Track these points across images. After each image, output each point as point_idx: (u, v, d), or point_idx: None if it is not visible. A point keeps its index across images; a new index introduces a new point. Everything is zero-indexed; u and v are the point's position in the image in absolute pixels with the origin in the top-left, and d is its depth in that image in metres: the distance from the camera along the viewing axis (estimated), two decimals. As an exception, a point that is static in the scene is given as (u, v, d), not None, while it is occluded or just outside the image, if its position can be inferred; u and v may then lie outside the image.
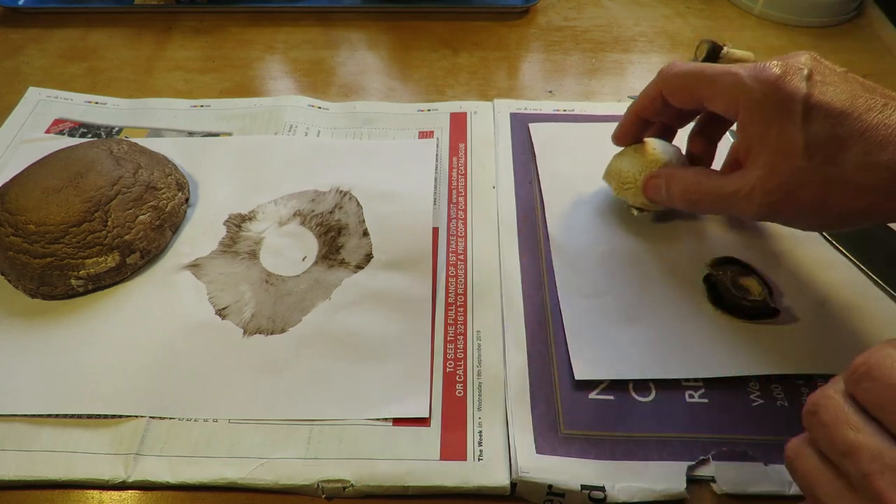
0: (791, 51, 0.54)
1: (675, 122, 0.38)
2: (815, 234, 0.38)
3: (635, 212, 0.39)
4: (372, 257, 0.37)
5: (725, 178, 0.31)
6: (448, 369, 0.33)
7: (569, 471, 0.29)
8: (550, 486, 0.28)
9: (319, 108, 0.48)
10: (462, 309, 0.35)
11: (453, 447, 0.30)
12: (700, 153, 0.38)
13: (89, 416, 0.31)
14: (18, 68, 0.52)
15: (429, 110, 0.48)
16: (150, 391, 0.32)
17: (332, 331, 0.34)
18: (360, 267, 0.37)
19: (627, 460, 0.29)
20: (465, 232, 0.39)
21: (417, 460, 0.29)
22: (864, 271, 0.36)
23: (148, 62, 0.53)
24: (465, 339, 0.34)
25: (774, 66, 0.29)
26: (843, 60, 0.53)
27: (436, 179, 0.42)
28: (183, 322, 0.35)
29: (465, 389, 0.32)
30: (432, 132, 0.46)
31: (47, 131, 0.46)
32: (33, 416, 0.31)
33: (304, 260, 0.38)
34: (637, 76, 0.52)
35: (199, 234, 0.39)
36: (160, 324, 0.34)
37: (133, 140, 0.43)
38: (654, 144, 0.37)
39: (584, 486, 0.28)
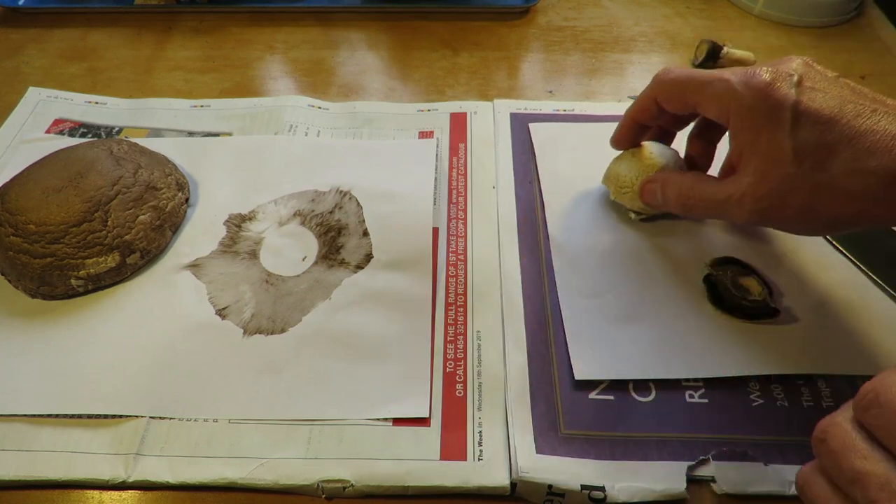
0: (791, 51, 0.54)
1: (672, 125, 0.38)
2: (815, 234, 0.38)
3: (633, 215, 0.39)
4: (372, 257, 0.37)
5: (718, 184, 0.32)
6: (448, 369, 0.33)
7: (569, 471, 0.29)
8: (550, 486, 0.28)
9: (319, 108, 0.48)
10: (462, 309, 0.35)
11: (453, 447, 0.30)
12: (699, 155, 0.38)
13: (89, 416, 0.31)
14: (18, 68, 0.52)
15: (429, 110, 0.48)
16: (150, 391, 0.32)
17: (332, 331, 0.34)
18: (360, 267, 0.37)
19: (627, 460, 0.29)
20: (465, 232, 0.39)
21: (417, 460, 0.30)
22: (864, 271, 0.36)
23: (148, 62, 0.53)
24: (465, 339, 0.34)
25: (764, 73, 0.29)
26: (843, 60, 0.53)
27: (436, 179, 0.42)
28: (183, 322, 0.35)
29: (465, 389, 0.32)
30: (432, 132, 0.46)
31: (47, 131, 0.46)
32: (33, 416, 0.31)
33: (304, 260, 0.38)
34: (637, 76, 0.52)
35: (199, 234, 0.39)
36: (160, 324, 0.34)
37: (133, 140, 0.43)
38: (651, 148, 0.37)
39: (584, 486, 0.28)
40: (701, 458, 0.29)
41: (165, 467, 0.29)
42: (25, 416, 0.31)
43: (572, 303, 0.35)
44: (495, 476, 0.29)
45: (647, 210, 0.38)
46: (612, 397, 0.32)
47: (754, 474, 0.29)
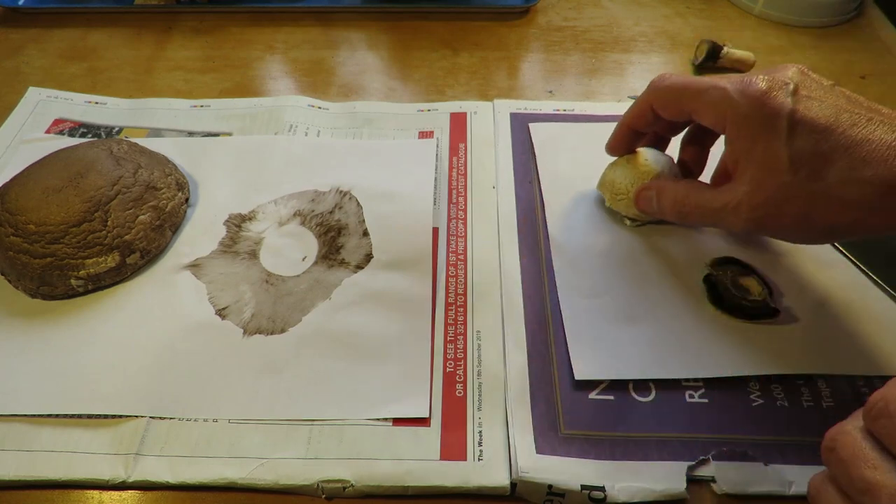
0: (791, 51, 0.54)
1: (667, 132, 0.38)
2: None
3: (628, 222, 0.39)
4: (372, 257, 0.37)
5: (714, 192, 0.32)
6: (448, 369, 0.33)
7: (569, 471, 0.29)
8: (550, 486, 0.28)
9: (319, 108, 0.48)
10: (462, 309, 0.35)
11: (453, 447, 0.30)
12: (692, 160, 0.38)
13: (89, 416, 0.31)
14: (18, 68, 0.52)
15: (429, 110, 0.48)
16: (150, 391, 0.32)
17: (332, 331, 0.34)
18: (360, 267, 0.37)
19: (627, 460, 0.29)
20: (465, 232, 0.39)
21: (417, 460, 0.30)
22: (864, 271, 0.36)
23: (148, 62, 0.53)
24: (465, 339, 0.34)
25: (761, 81, 0.29)
26: (843, 60, 0.53)
27: (436, 179, 0.42)
28: (183, 322, 0.35)
29: (465, 389, 0.32)
30: (432, 132, 0.46)
31: (47, 131, 0.46)
32: (33, 416, 0.31)
33: (304, 260, 0.38)
34: (637, 76, 0.52)
35: (199, 234, 0.39)
36: (160, 324, 0.34)
37: (133, 140, 0.43)
38: (646, 155, 0.38)
39: (584, 486, 0.28)
40: (701, 458, 0.29)
41: (165, 467, 0.29)
42: (25, 416, 0.31)
43: (572, 303, 0.35)
44: (495, 476, 0.29)
45: (642, 217, 0.38)
46: (612, 397, 0.32)
47: (754, 474, 0.29)
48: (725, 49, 0.50)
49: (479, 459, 0.30)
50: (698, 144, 0.38)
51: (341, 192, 0.41)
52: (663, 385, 0.32)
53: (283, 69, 0.53)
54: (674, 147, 0.39)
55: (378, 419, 0.31)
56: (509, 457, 0.29)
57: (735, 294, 0.34)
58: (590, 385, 0.32)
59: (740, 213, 0.30)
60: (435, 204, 0.41)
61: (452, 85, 0.51)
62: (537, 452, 0.29)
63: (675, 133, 0.38)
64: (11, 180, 0.37)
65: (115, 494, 0.29)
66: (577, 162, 0.43)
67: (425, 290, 0.36)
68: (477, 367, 0.33)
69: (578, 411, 0.31)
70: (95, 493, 0.29)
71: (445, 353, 0.34)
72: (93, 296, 0.36)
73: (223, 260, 0.38)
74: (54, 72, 0.52)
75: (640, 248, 0.38)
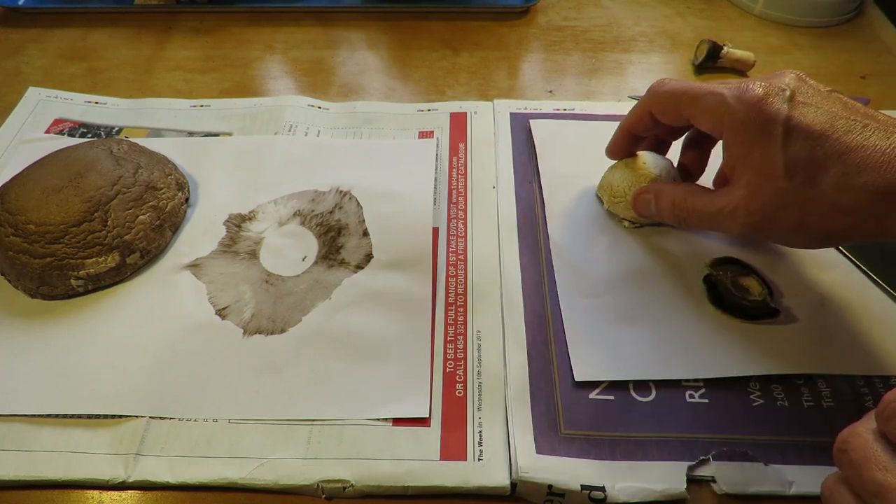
0: (791, 51, 0.54)
1: (667, 136, 0.38)
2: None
3: (627, 223, 0.39)
4: (372, 257, 0.37)
5: (712, 197, 0.32)
6: (448, 369, 0.33)
7: (569, 471, 0.29)
8: (550, 486, 0.28)
9: (319, 108, 0.48)
10: (462, 309, 0.35)
11: (453, 447, 0.30)
12: (692, 164, 0.38)
13: (89, 416, 0.31)
14: (18, 68, 0.52)
15: (429, 110, 0.48)
16: (150, 391, 0.32)
17: (332, 331, 0.34)
18: (360, 267, 0.37)
19: (627, 460, 0.29)
20: (465, 232, 0.39)
21: (417, 460, 0.29)
22: (864, 271, 0.36)
23: (148, 62, 0.53)
24: (465, 339, 0.34)
25: (757, 87, 0.29)
26: (843, 60, 0.53)
27: (436, 179, 0.42)
28: (183, 322, 0.35)
29: (465, 389, 0.32)
30: (432, 132, 0.46)
31: (47, 131, 0.46)
32: (33, 416, 0.31)
33: (304, 260, 0.38)
34: (637, 76, 0.52)
35: (199, 234, 0.39)
36: (160, 324, 0.34)
37: (133, 140, 0.43)
38: (645, 158, 0.38)
39: (584, 486, 0.28)
40: (701, 458, 0.29)
41: (165, 467, 0.29)
42: (25, 416, 0.31)
43: (572, 303, 0.35)
44: (495, 476, 0.29)
45: (640, 219, 0.38)
46: (612, 397, 0.32)
47: (754, 474, 0.29)
48: (725, 49, 0.50)
49: (479, 459, 0.30)
50: (699, 148, 0.38)
51: (341, 192, 0.41)
52: (663, 385, 0.32)
53: (283, 69, 0.53)
54: (675, 151, 0.39)
55: (378, 419, 0.31)
56: (509, 457, 0.29)
57: (735, 294, 0.34)
58: (590, 385, 0.32)
59: (737, 217, 0.31)
60: (435, 204, 0.41)
61: (452, 85, 0.51)
62: (537, 452, 0.29)
63: (676, 137, 0.38)
64: (11, 180, 0.37)
65: (115, 494, 0.29)
66: (578, 161, 0.43)
67: (425, 290, 0.36)
68: (477, 367, 0.33)
69: (578, 411, 0.31)
70: (95, 493, 0.29)
71: (445, 353, 0.34)
72: (93, 296, 0.36)
73: (223, 260, 0.38)
74: (54, 72, 0.52)
75: (641, 249, 0.38)
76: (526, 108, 0.47)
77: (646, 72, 0.52)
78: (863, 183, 0.27)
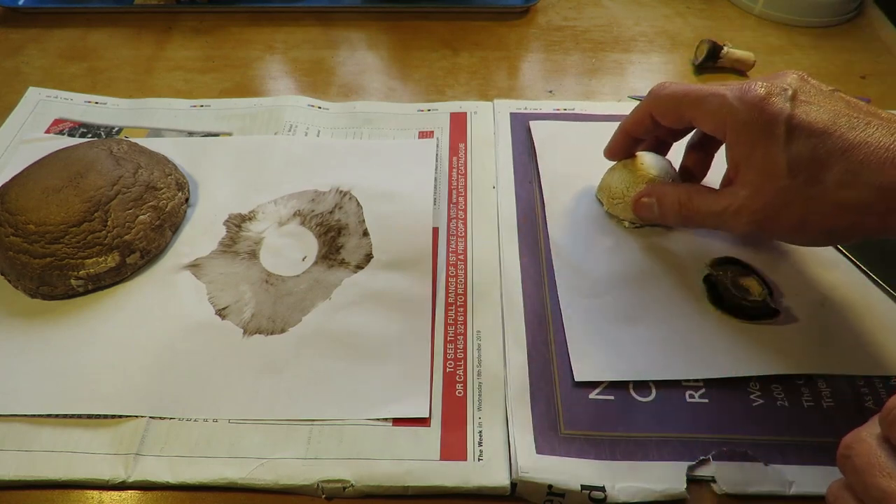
0: (791, 51, 0.54)
1: (668, 137, 0.38)
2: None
3: (627, 224, 0.39)
4: (372, 257, 0.37)
5: (716, 196, 0.32)
6: (448, 369, 0.33)
7: (569, 471, 0.29)
8: (550, 486, 0.28)
9: (319, 108, 0.48)
10: (462, 309, 0.35)
11: (453, 447, 0.30)
12: (695, 165, 0.38)
13: (89, 416, 0.31)
14: (18, 68, 0.52)
15: (429, 110, 0.48)
16: (150, 391, 0.32)
17: (332, 331, 0.34)
18: (360, 267, 0.37)
19: (627, 460, 0.29)
20: (465, 232, 0.39)
21: (417, 460, 0.29)
22: (864, 271, 0.36)
23: (148, 62, 0.53)
24: (465, 339, 0.34)
25: (759, 87, 0.29)
26: (843, 60, 0.53)
27: (436, 179, 0.42)
28: (183, 322, 0.35)
29: (465, 389, 0.32)
30: (432, 132, 0.46)
31: (47, 131, 0.46)
32: (33, 416, 0.31)
33: (304, 260, 0.38)
34: (637, 76, 0.52)
35: (199, 234, 0.39)
36: (160, 324, 0.34)
37: (133, 140, 0.43)
38: (643, 159, 0.38)
39: (584, 486, 0.28)
40: (701, 458, 0.29)
41: (165, 467, 0.29)
42: (25, 416, 0.31)
43: (572, 303, 0.35)
44: (495, 476, 0.29)
45: (639, 220, 0.38)
46: (612, 397, 0.32)
47: (754, 474, 0.29)
48: (725, 49, 0.50)
49: (479, 459, 0.30)
50: (702, 151, 0.38)
51: (341, 192, 0.41)
52: (663, 385, 0.32)
53: (283, 69, 0.53)
54: (677, 153, 0.39)
55: (378, 419, 0.31)
56: (509, 457, 0.29)
57: (735, 294, 0.34)
58: (590, 385, 0.32)
59: (741, 216, 0.31)
60: (435, 204, 0.41)
61: (452, 85, 0.51)
62: (537, 452, 0.29)
63: (677, 138, 0.39)
64: (11, 180, 0.37)
65: (115, 494, 0.29)
66: (578, 161, 0.43)
67: (425, 290, 0.36)
68: (477, 367, 0.33)
69: (578, 411, 0.31)
70: (95, 493, 0.29)
71: (445, 353, 0.34)
72: (93, 296, 0.36)
73: (223, 260, 0.38)
74: (54, 72, 0.52)
75: (641, 249, 0.38)
76: (526, 108, 0.47)
77: (646, 72, 0.52)
78: (866, 180, 0.27)
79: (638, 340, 0.33)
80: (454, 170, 0.43)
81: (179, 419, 0.31)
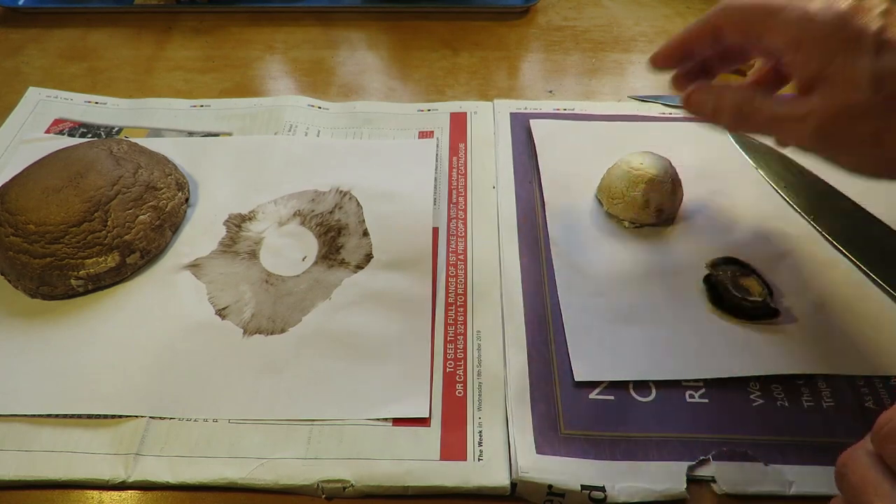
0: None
1: (717, 63, 0.35)
2: (815, 234, 0.38)
3: (627, 224, 0.39)
4: (372, 257, 0.37)
5: (782, 99, 0.30)
6: (448, 369, 0.33)
7: (569, 471, 0.29)
8: (550, 486, 0.28)
9: (319, 108, 0.48)
10: (462, 309, 0.35)
11: (453, 447, 0.30)
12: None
13: (89, 416, 0.31)
14: (18, 68, 0.52)
15: (429, 110, 0.48)
16: (150, 391, 0.32)
17: (332, 331, 0.34)
18: (360, 267, 0.37)
19: (627, 460, 0.29)
20: (465, 232, 0.39)
21: (417, 460, 0.29)
22: (864, 271, 0.36)
23: (148, 62, 0.53)
24: (465, 339, 0.34)
25: (846, 1, 0.27)
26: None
27: (436, 179, 0.42)
28: (183, 322, 0.35)
29: (465, 389, 0.32)
30: (432, 132, 0.46)
31: (47, 131, 0.46)
32: (33, 416, 0.31)
33: (304, 260, 0.38)
34: (637, 76, 0.52)
35: (199, 234, 0.39)
36: (160, 324, 0.34)
37: (133, 140, 0.43)
38: (641, 159, 0.38)
39: (584, 486, 0.28)
40: (701, 458, 0.29)
41: (165, 467, 0.29)
42: (25, 416, 0.31)
43: (572, 303, 0.35)
44: (495, 476, 0.29)
45: (640, 219, 0.38)
46: (612, 397, 0.32)
47: (754, 474, 0.29)
48: (725, 49, 0.50)
49: (479, 459, 0.30)
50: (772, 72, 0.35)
51: (341, 192, 0.41)
52: (663, 385, 0.32)
53: (283, 69, 0.53)
54: (675, 152, 0.39)
55: (378, 419, 0.31)
56: (509, 457, 0.29)
57: (735, 294, 0.34)
58: (590, 385, 0.32)
59: (808, 122, 0.28)
60: (435, 204, 0.41)
61: (452, 85, 0.51)
62: (537, 452, 0.29)
63: (725, 67, 0.36)
64: (11, 180, 0.37)
65: (115, 494, 0.29)
66: (578, 161, 0.43)
67: (425, 290, 0.36)
68: (477, 367, 0.33)
69: (578, 411, 0.31)
70: (95, 493, 0.29)
71: (445, 353, 0.34)
72: (93, 296, 0.36)
73: (223, 260, 0.38)
74: (54, 72, 0.52)
75: (641, 249, 0.38)
76: (526, 108, 0.47)
77: (646, 72, 0.52)
78: None
79: (638, 340, 0.33)
80: (454, 170, 0.43)
81: (179, 419, 0.31)
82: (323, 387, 0.32)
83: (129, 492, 0.29)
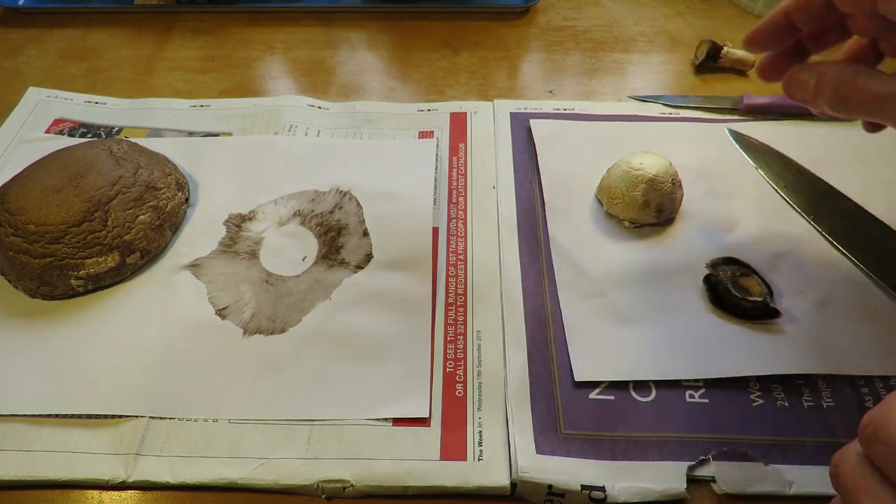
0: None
1: (809, 44, 0.32)
2: (815, 234, 0.38)
3: (627, 224, 0.39)
4: (372, 257, 0.37)
5: (887, 77, 0.27)
6: (448, 369, 0.33)
7: (569, 471, 0.29)
8: (550, 487, 0.28)
9: (319, 108, 0.48)
10: (462, 309, 0.35)
11: (453, 447, 0.30)
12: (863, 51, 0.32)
13: (89, 416, 0.31)
14: (18, 68, 0.52)
15: (429, 110, 0.48)
16: (150, 391, 0.32)
17: (332, 331, 0.34)
18: (360, 267, 0.37)
19: (627, 460, 0.29)
20: (465, 232, 0.39)
21: (417, 460, 0.29)
22: (864, 271, 0.36)
23: (148, 62, 0.53)
24: (465, 339, 0.34)
25: None
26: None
27: (436, 179, 0.42)
28: (183, 322, 0.35)
29: (465, 389, 0.32)
30: (432, 132, 0.46)
31: (47, 131, 0.46)
32: (33, 416, 0.31)
33: (304, 260, 0.38)
34: (637, 76, 0.52)
35: (199, 234, 0.39)
36: (160, 324, 0.34)
37: (133, 140, 0.43)
38: (641, 159, 0.38)
39: (584, 486, 0.28)
40: (701, 458, 0.29)
41: (165, 467, 0.29)
42: (25, 416, 0.31)
43: (572, 303, 0.35)
44: (495, 476, 0.29)
45: (640, 219, 0.38)
46: (612, 397, 0.32)
47: (754, 474, 0.29)
48: (725, 49, 0.50)
49: (479, 459, 0.30)
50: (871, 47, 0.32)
51: (341, 192, 0.41)
52: (663, 385, 0.32)
53: (283, 69, 0.53)
54: (675, 151, 0.39)
55: (378, 419, 0.31)
56: (509, 457, 0.29)
57: (735, 294, 0.34)
58: (590, 385, 0.32)
59: None
60: (435, 204, 0.41)
61: (452, 85, 0.51)
62: (537, 452, 0.29)
63: (821, 46, 0.33)
64: (11, 180, 0.37)
65: (115, 494, 0.29)
66: (578, 161, 0.43)
67: (425, 290, 0.36)
68: (477, 367, 0.33)
69: (578, 411, 0.31)
70: (95, 493, 0.29)
71: (445, 353, 0.34)
72: (93, 296, 0.36)
73: (223, 260, 0.38)
74: (54, 72, 0.52)
75: (641, 249, 0.38)
76: (526, 108, 0.47)
77: (646, 72, 0.52)
78: None
79: (638, 340, 0.33)
80: (454, 170, 0.43)
81: (179, 419, 0.31)
82: (323, 387, 0.32)
83: (129, 492, 0.29)
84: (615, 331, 0.34)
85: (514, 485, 0.29)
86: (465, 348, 0.34)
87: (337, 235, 0.39)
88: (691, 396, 0.32)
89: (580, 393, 0.32)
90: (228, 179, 0.42)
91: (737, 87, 0.50)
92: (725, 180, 0.42)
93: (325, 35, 0.56)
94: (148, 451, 0.30)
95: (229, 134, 0.46)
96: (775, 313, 0.34)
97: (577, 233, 0.39)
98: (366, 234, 0.38)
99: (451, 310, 0.35)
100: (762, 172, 0.42)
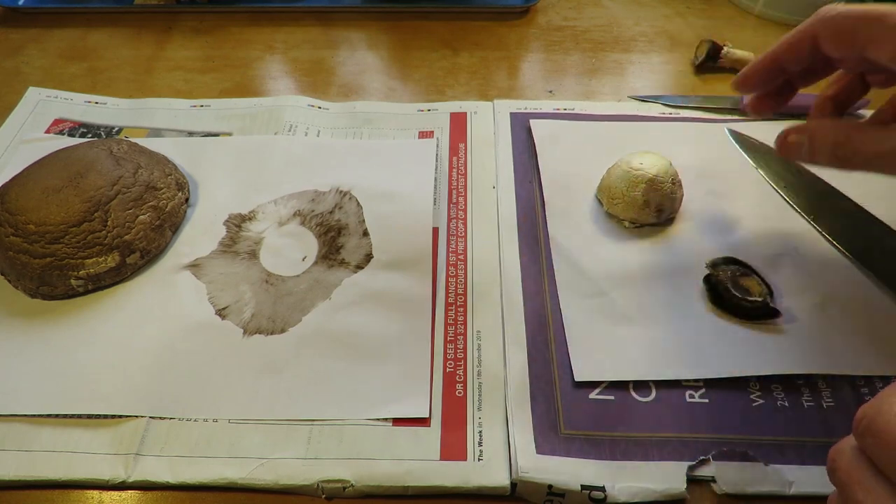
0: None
1: (796, 80, 0.33)
2: (815, 234, 0.38)
3: (627, 224, 0.39)
4: (372, 257, 0.37)
5: (882, 134, 0.27)
6: (448, 369, 0.33)
7: (569, 471, 0.29)
8: (550, 486, 0.28)
9: (319, 108, 0.48)
10: (462, 309, 0.35)
11: (453, 447, 0.30)
12: (844, 92, 0.33)
13: (89, 416, 0.31)
14: (18, 68, 0.52)
15: (429, 110, 0.48)
16: (150, 391, 0.32)
17: (332, 331, 0.34)
18: (360, 267, 0.37)
19: (627, 460, 0.29)
20: (465, 232, 0.39)
21: (417, 460, 0.29)
22: (864, 271, 0.36)
23: (148, 62, 0.53)
24: (465, 339, 0.34)
25: None
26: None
27: (436, 179, 0.42)
28: (183, 322, 0.35)
29: (465, 389, 0.32)
30: (432, 132, 0.46)
31: (47, 131, 0.46)
32: (33, 416, 0.31)
33: (304, 260, 0.38)
34: (637, 76, 0.52)
35: (199, 234, 0.39)
36: (160, 324, 0.34)
37: (133, 140, 0.43)
38: (641, 159, 0.38)
39: (584, 486, 0.28)
40: (701, 458, 0.29)
41: (165, 467, 0.29)
42: (25, 416, 0.31)
43: (572, 303, 0.35)
44: (495, 476, 0.29)
45: (639, 220, 0.38)
46: (612, 397, 0.32)
47: (754, 474, 0.29)
48: (725, 49, 0.50)
49: (479, 459, 0.30)
50: (838, 105, 0.33)
51: (341, 192, 0.41)
52: (663, 385, 0.32)
53: (283, 69, 0.53)
54: (675, 152, 0.39)
55: (378, 419, 0.31)
56: (509, 457, 0.29)
57: (735, 294, 0.34)
58: (590, 385, 0.32)
59: None
60: (435, 204, 0.41)
61: (452, 85, 0.51)
62: (537, 452, 0.29)
63: (809, 81, 0.33)
64: (11, 180, 0.37)
65: (115, 494, 0.29)
66: (578, 161, 0.43)
67: (425, 290, 0.36)
68: (477, 367, 0.33)
69: (578, 411, 0.31)
70: (95, 493, 0.29)
71: (445, 353, 0.34)
72: (93, 296, 0.36)
73: (223, 260, 0.38)
74: (54, 72, 0.52)
75: (641, 249, 0.38)
76: (526, 108, 0.47)
77: (646, 72, 0.52)
78: None
79: (638, 340, 0.33)
80: (454, 170, 0.43)
81: (179, 419, 0.31)
82: (323, 387, 0.32)
83: (129, 492, 0.29)
84: (615, 331, 0.34)
85: (514, 485, 0.29)
86: (465, 348, 0.34)
87: (337, 235, 0.39)
88: (691, 396, 0.32)
89: (580, 393, 0.32)
90: (228, 179, 0.42)
91: (737, 87, 0.50)
92: (725, 180, 0.42)
93: (325, 35, 0.56)
94: (148, 451, 0.30)
95: (229, 134, 0.46)
96: (775, 313, 0.34)
97: (577, 233, 0.39)
98: (366, 234, 0.38)
99: (451, 310, 0.35)
100: (762, 172, 0.42)
